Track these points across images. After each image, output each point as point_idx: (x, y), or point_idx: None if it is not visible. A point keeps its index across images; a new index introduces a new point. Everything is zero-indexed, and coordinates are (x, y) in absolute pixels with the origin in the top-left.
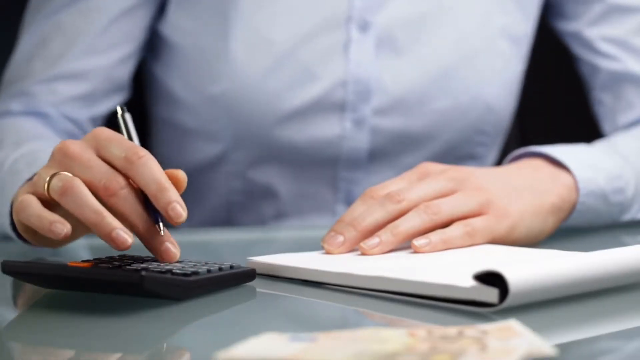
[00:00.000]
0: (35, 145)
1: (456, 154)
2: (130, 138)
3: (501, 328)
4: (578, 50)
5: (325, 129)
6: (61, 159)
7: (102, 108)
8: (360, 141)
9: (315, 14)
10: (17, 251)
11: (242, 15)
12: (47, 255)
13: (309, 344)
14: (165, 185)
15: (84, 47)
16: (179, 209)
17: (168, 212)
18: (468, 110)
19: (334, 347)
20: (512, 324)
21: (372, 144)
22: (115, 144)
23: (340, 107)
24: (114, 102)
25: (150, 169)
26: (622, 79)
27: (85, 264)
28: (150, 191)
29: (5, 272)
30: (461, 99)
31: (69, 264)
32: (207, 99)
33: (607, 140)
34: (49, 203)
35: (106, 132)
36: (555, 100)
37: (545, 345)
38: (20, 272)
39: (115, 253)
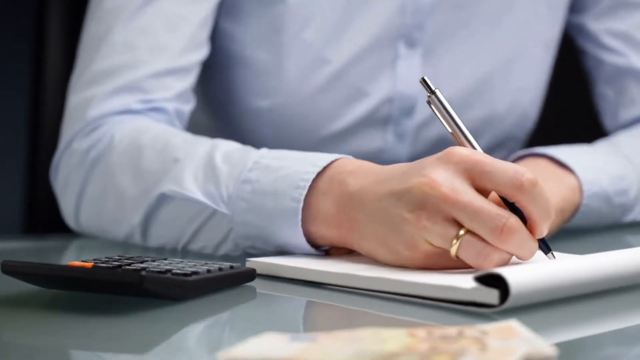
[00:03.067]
0: (231, 144)
1: None
2: (454, 122)
3: (501, 328)
4: (583, 43)
5: (368, 143)
6: (439, 204)
7: (193, 103)
8: (401, 152)
9: (368, 32)
10: (17, 251)
11: (297, 31)
12: (47, 255)
13: (309, 344)
14: (552, 215)
15: (188, 38)
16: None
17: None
18: (505, 118)
19: (334, 347)
20: (512, 324)
21: (412, 152)
22: (492, 168)
23: (384, 122)
24: (195, 97)
25: (545, 197)
26: (625, 73)
27: (85, 264)
28: (538, 220)
29: (5, 272)
30: (499, 107)
31: (69, 264)
32: (252, 111)
33: (609, 141)
34: None
35: (471, 155)
36: (554, 99)
37: (545, 345)
38: (20, 272)
39: (115, 253)
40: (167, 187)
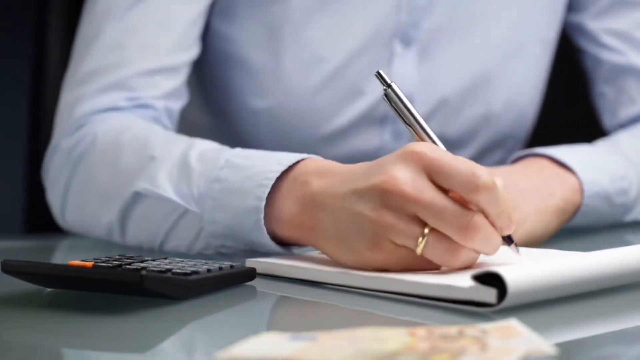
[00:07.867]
0: (209, 144)
1: (489, 160)
2: (412, 117)
3: (501, 327)
4: (582, 42)
5: (365, 142)
6: (401, 202)
7: (183, 101)
8: None
9: (364, 30)
10: (17, 251)
11: (295, 31)
12: (47, 254)
13: (309, 343)
14: (508, 217)
15: (178, 37)
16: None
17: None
18: (502, 116)
19: (334, 346)
20: (513, 324)
21: None
22: (449, 169)
23: (380, 121)
24: (188, 96)
25: (501, 200)
26: (624, 72)
27: (86, 264)
28: (496, 222)
29: (5, 271)
30: (495, 105)
31: (69, 263)
32: (250, 111)
33: (609, 140)
34: None
35: (428, 152)
36: (554, 99)
37: (545, 344)
38: (20, 272)
39: (114, 252)
40: (141, 185)
